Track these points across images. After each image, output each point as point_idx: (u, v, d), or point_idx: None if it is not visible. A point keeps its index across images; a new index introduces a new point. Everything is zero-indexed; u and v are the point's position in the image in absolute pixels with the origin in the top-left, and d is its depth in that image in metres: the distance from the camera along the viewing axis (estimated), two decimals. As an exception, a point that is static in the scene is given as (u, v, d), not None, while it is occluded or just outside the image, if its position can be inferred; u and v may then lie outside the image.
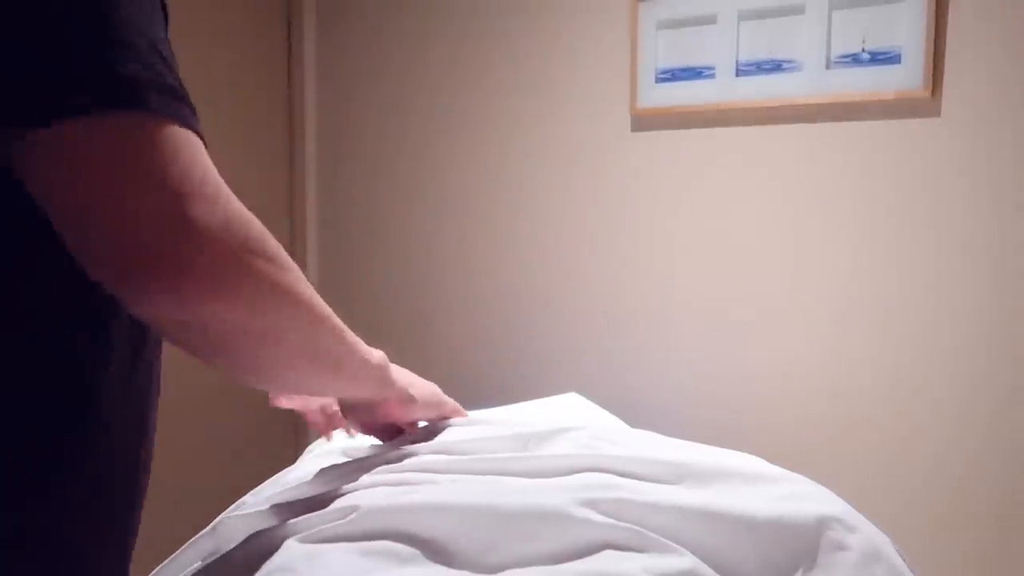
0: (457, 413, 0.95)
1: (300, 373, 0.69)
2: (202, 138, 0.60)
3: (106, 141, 0.55)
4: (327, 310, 0.69)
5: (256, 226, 0.61)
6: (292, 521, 0.75)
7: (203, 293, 0.57)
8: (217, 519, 0.86)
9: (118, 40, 0.56)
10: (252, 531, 0.77)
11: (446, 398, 0.95)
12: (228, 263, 0.58)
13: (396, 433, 0.93)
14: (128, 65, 0.56)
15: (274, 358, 0.65)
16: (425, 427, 0.93)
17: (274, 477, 1.02)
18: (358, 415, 0.88)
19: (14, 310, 0.61)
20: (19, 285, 0.60)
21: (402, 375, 0.87)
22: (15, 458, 0.62)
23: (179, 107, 0.58)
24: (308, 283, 0.66)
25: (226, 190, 0.60)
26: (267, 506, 0.82)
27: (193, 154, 0.58)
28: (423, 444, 0.88)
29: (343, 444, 1.03)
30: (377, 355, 0.81)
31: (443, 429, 0.92)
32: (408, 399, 0.87)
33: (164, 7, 0.63)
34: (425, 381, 0.92)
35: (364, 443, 1.00)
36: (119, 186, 0.55)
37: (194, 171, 0.57)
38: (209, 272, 0.57)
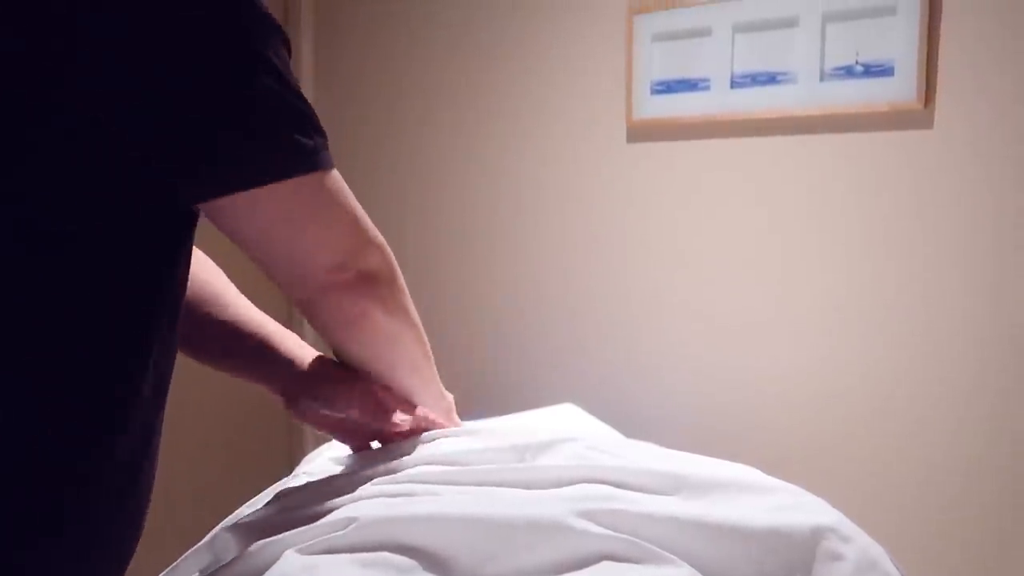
0: (449, 417, 0.99)
1: (402, 371, 0.88)
2: None
3: (306, 196, 0.73)
4: (426, 339, 0.90)
5: (392, 256, 0.83)
6: (290, 532, 0.76)
7: (370, 302, 0.80)
8: (214, 531, 0.87)
9: (304, 114, 0.72)
10: (249, 543, 0.77)
11: (450, 405, 0.99)
12: (384, 284, 0.81)
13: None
14: (316, 138, 0.73)
15: (396, 357, 0.86)
16: (421, 438, 0.94)
17: (270, 488, 1.02)
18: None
19: (71, 341, 0.68)
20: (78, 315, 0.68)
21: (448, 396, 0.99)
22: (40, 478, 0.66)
23: (329, 153, 0.75)
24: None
25: (372, 226, 0.82)
26: (264, 517, 0.83)
27: (347, 189, 0.78)
28: (421, 455, 0.88)
29: (340, 455, 1.03)
30: (449, 395, 0.97)
31: (439, 439, 0.92)
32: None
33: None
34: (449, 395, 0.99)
35: (361, 454, 1.00)
36: (320, 230, 0.76)
37: (358, 207, 0.79)
38: (378, 289, 0.80)
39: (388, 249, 0.82)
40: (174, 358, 0.78)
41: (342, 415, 0.89)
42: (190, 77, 0.66)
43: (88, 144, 0.65)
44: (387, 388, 0.89)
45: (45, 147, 0.65)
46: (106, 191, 0.66)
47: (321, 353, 0.92)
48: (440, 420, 0.94)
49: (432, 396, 0.93)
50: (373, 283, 0.80)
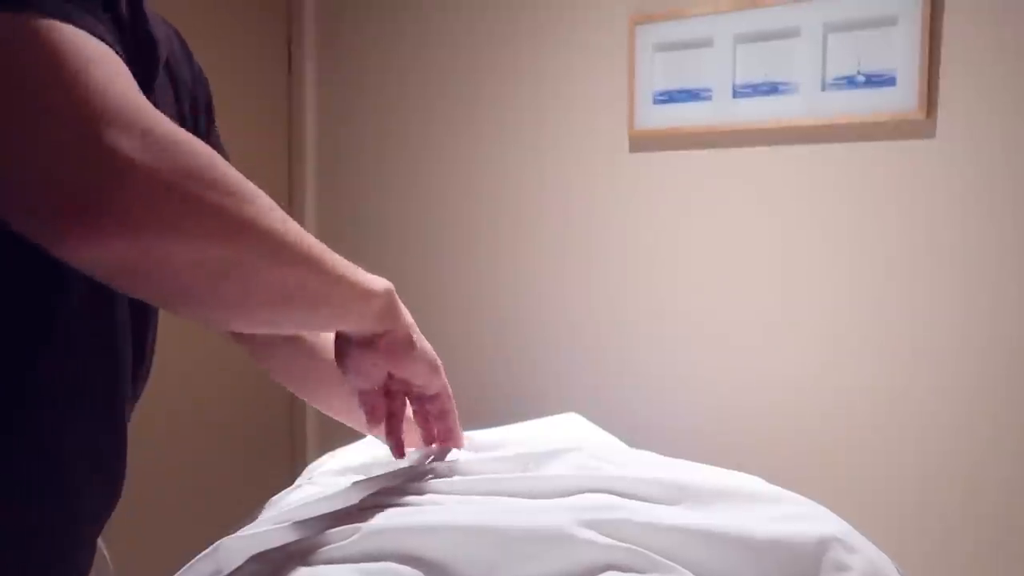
0: (446, 394, 0.87)
1: (272, 310, 0.62)
2: (120, 57, 0.51)
3: (13, 47, 0.46)
4: (302, 238, 0.61)
5: (199, 153, 0.52)
6: (293, 543, 0.75)
7: (129, 231, 0.48)
8: (217, 542, 0.86)
9: None
10: (252, 553, 0.76)
11: (443, 373, 0.85)
12: (157, 193, 0.49)
13: (380, 405, 0.83)
14: None
15: (238, 296, 0.57)
16: (423, 451, 0.93)
17: (273, 498, 1.01)
18: (354, 356, 0.76)
19: None
20: None
21: (410, 319, 0.78)
22: None
23: (81, 15, 0.49)
24: (279, 212, 0.58)
25: (153, 111, 0.51)
26: (267, 527, 0.82)
27: (109, 71, 0.49)
28: (424, 465, 0.88)
29: (343, 464, 1.03)
30: (379, 284, 0.72)
31: (440, 453, 0.92)
32: (409, 342, 0.77)
33: None
34: (430, 345, 0.83)
35: (364, 463, 1.00)
36: (12, 108, 0.46)
37: (110, 89, 0.48)
38: (135, 206, 0.48)
39: (156, 124, 0.50)
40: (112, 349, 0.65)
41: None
42: None
43: None
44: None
45: None
46: None
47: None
48: (371, 327, 0.73)
49: (340, 312, 0.70)
50: (140, 195, 0.48)
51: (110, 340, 0.66)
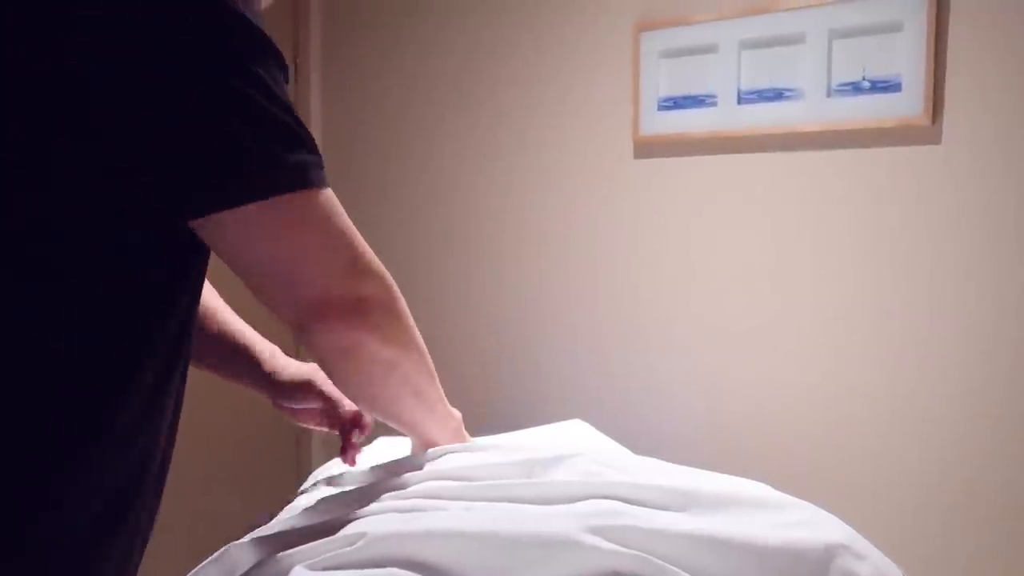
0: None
1: (405, 404, 0.87)
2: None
3: (296, 214, 0.71)
4: (430, 358, 0.87)
5: (393, 283, 0.80)
6: (299, 548, 0.75)
7: (365, 331, 0.77)
8: (223, 547, 0.86)
9: (294, 131, 0.70)
10: (259, 558, 0.77)
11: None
12: (381, 311, 0.78)
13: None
14: (307, 155, 0.71)
15: (393, 388, 0.84)
16: (429, 454, 0.93)
17: (279, 504, 1.01)
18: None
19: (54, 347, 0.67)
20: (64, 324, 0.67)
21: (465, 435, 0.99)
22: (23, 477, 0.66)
23: (325, 175, 0.73)
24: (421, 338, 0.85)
25: (370, 251, 0.79)
26: (274, 532, 0.82)
27: (342, 212, 0.75)
28: (430, 471, 0.88)
29: (349, 469, 1.03)
30: (456, 412, 0.96)
31: (448, 455, 0.92)
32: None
33: (282, 57, 0.73)
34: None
35: (369, 469, 1.00)
36: (309, 251, 0.72)
37: (354, 231, 0.76)
38: (372, 317, 0.77)
39: (387, 275, 0.79)
40: (181, 395, 0.77)
41: (310, 406, 0.99)
42: (180, 94, 0.65)
43: (80, 166, 0.65)
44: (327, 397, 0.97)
45: (40, 168, 0.65)
46: (97, 212, 0.66)
47: (293, 363, 1.01)
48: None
49: (437, 420, 0.92)
50: (366, 311, 0.77)
51: (176, 408, 0.78)
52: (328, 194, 0.73)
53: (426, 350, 0.86)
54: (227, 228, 0.69)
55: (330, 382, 0.95)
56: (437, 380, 0.89)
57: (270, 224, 0.70)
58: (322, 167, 0.72)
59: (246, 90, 0.67)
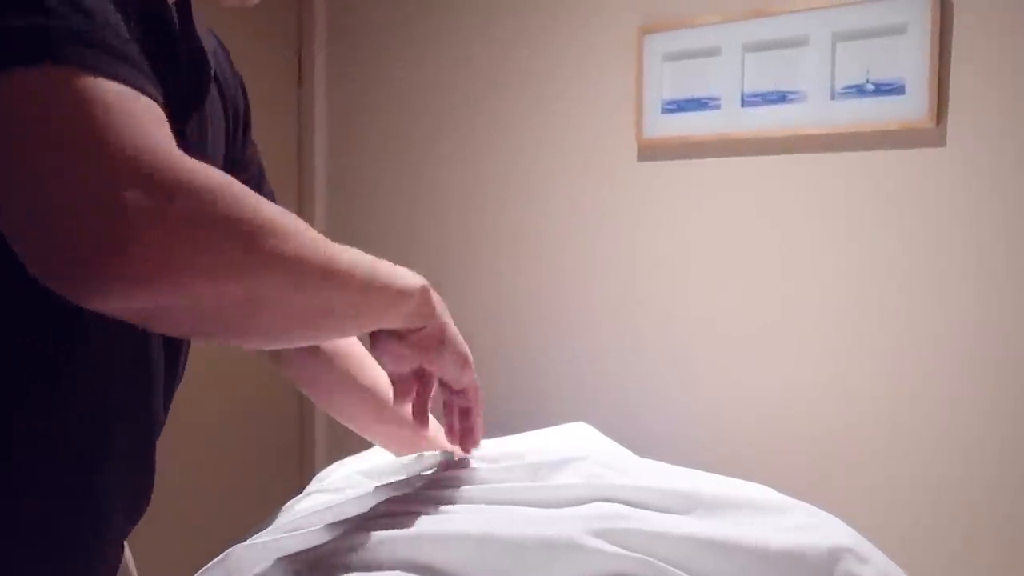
0: (476, 390, 0.88)
1: (305, 331, 0.64)
2: (156, 99, 0.52)
3: (18, 102, 0.48)
4: (329, 258, 0.61)
5: (225, 192, 0.52)
6: (304, 551, 0.75)
7: (149, 281, 0.49)
8: (227, 550, 0.86)
9: None
10: (263, 560, 0.77)
11: (472, 369, 0.86)
12: (175, 240, 0.49)
13: (409, 386, 0.84)
14: (40, 17, 0.48)
15: (269, 325, 0.59)
16: (432, 458, 0.93)
17: (283, 507, 1.02)
18: (386, 343, 0.78)
19: None
20: None
21: (446, 314, 0.80)
22: None
23: (112, 63, 0.50)
24: (306, 236, 0.59)
25: (177, 155, 0.51)
26: (278, 535, 0.82)
27: (133, 115, 0.50)
28: (433, 474, 0.88)
29: (353, 472, 1.03)
30: (413, 283, 0.74)
31: (450, 461, 0.92)
32: (441, 337, 0.79)
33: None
34: (463, 339, 0.85)
35: (374, 472, 1.00)
36: (43, 160, 0.47)
37: (133, 137, 0.49)
38: (150, 257, 0.48)
39: (184, 173, 0.51)
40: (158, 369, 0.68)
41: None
42: None
43: None
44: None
45: None
46: None
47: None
48: (398, 323, 0.75)
49: (376, 307, 0.70)
50: (153, 241, 0.48)
51: (143, 358, 0.69)
52: (90, 80, 0.49)
53: (311, 244, 0.59)
54: None
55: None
56: (346, 273, 0.63)
57: None
58: (86, 43, 0.50)
59: None
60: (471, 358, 0.84)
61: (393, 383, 0.83)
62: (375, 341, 0.78)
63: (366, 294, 0.67)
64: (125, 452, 0.69)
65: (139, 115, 0.50)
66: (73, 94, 0.48)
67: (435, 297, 0.78)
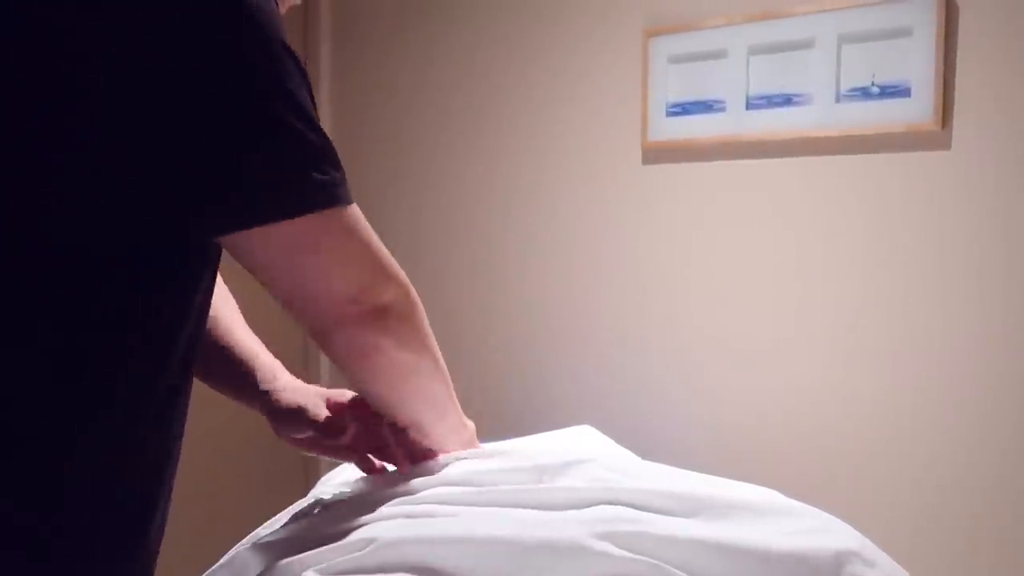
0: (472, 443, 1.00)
1: (418, 405, 0.87)
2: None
3: (322, 231, 0.73)
4: (446, 372, 0.89)
5: (412, 290, 0.82)
6: (309, 553, 0.76)
7: (383, 336, 0.79)
8: (232, 550, 0.86)
9: (321, 149, 0.73)
10: (268, 563, 0.77)
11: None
12: (400, 318, 0.80)
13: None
14: (334, 174, 0.73)
15: (410, 391, 0.85)
16: (439, 460, 0.93)
17: (288, 508, 1.01)
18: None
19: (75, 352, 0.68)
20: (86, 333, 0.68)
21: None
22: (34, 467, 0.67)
23: (350, 191, 0.75)
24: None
25: (393, 261, 0.81)
26: (283, 537, 0.82)
27: (365, 224, 0.78)
28: (439, 476, 0.88)
29: (357, 475, 1.03)
30: (469, 423, 0.96)
31: (456, 461, 0.92)
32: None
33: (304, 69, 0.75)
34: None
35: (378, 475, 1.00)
36: (334, 265, 0.75)
37: (376, 241, 0.79)
38: (391, 323, 0.79)
39: (407, 284, 0.82)
40: (189, 392, 0.78)
41: (334, 442, 0.93)
42: (207, 110, 0.66)
43: (105, 176, 0.66)
44: (378, 417, 0.91)
45: (65, 175, 0.66)
46: (122, 221, 0.68)
47: (301, 387, 0.96)
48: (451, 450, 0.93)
49: (451, 428, 0.92)
50: (386, 318, 0.79)
51: (184, 418, 0.79)
52: (352, 209, 0.75)
53: (441, 359, 0.87)
54: (255, 244, 0.72)
55: (322, 410, 0.93)
56: (452, 390, 0.90)
57: (297, 241, 0.72)
58: (346, 183, 0.75)
59: (278, 111, 0.69)
60: (475, 439, 0.98)
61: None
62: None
63: (455, 409, 0.92)
64: (169, 490, 0.79)
65: (370, 228, 0.79)
66: (348, 223, 0.76)
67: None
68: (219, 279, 0.95)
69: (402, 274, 0.81)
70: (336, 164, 0.74)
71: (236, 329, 0.98)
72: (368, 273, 0.78)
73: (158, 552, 0.78)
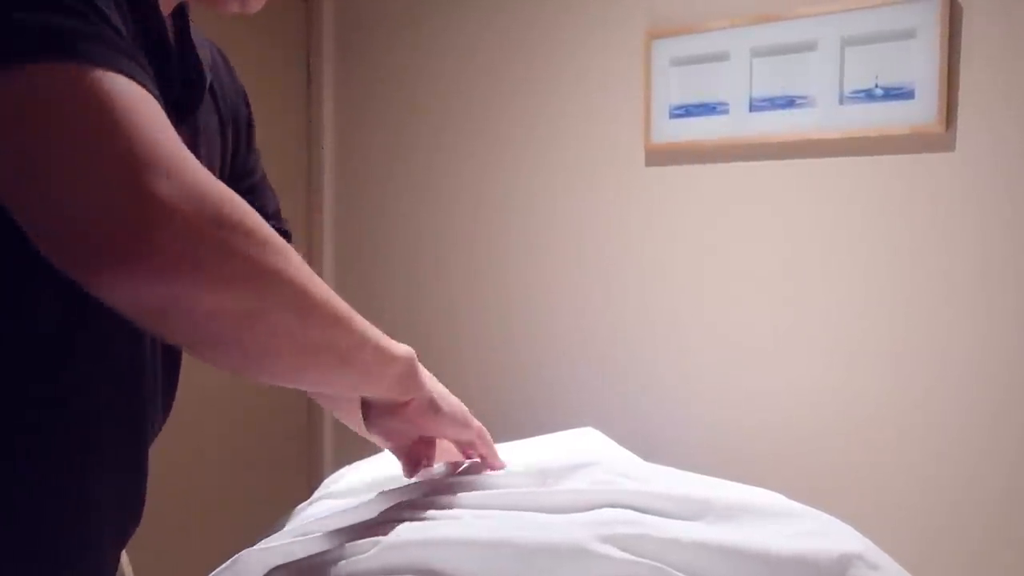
0: (482, 437, 0.89)
1: (297, 363, 0.62)
2: (158, 100, 0.53)
3: (35, 97, 0.49)
4: (330, 297, 0.62)
5: (232, 201, 0.54)
6: (311, 556, 0.76)
7: (164, 272, 0.50)
8: (236, 555, 0.86)
9: None
10: (272, 566, 0.77)
11: (473, 420, 0.87)
12: (192, 238, 0.51)
13: (417, 453, 0.86)
14: (62, 19, 0.50)
15: (263, 346, 0.58)
16: (444, 469, 0.93)
17: (292, 511, 1.02)
18: (380, 420, 0.78)
19: None
20: None
21: (432, 382, 0.79)
22: None
23: (123, 61, 0.51)
24: (307, 269, 0.59)
25: (190, 159, 0.52)
26: (286, 540, 0.82)
27: (151, 117, 0.51)
28: (442, 479, 0.88)
29: (360, 478, 1.03)
30: (401, 350, 0.72)
31: (462, 468, 0.92)
32: (434, 407, 0.78)
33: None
34: (455, 398, 0.84)
35: (382, 477, 1.00)
36: (60, 152, 0.49)
37: (152, 136, 0.50)
38: (170, 249, 0.50)
39: (203, 183, 0.52)
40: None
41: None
42: None
43: None
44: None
45: None
46: None
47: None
48: (392, 393, 0.74)
49: (361, 373, 0.69)
50: (172, 241, 0.50)
51: (136, 372, 0.68)
52: (106, 76, 0.50)
53: (311, 284, 0.59)
54: None
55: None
56: (347, 319, 0.64)
57: (10, 103, 0.49)
58: (99, 40, 0.51)
59: None
60: (467, 413, 0.84)
61: (399, 458, 0.85)
62: (370, 422, 0.78)
63: (362, 343, 0.66)
64: (115, 457, 0.68)
65: (154, 114, 0.52)
66: (90, 88, 0.49)
67: (421, 368, 0.76)
68: None
69: (200, 174, 0.52)
70: (80, 12, 0.51)
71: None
72: (126, 165, 0.49)
73: (118, 541, 0.71)
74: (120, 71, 0.51)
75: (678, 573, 0.72)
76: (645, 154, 1.80)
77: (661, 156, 1.78)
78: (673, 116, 1.75)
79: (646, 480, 0.89)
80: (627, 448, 1.29)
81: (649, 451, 1.32)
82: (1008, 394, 1.41)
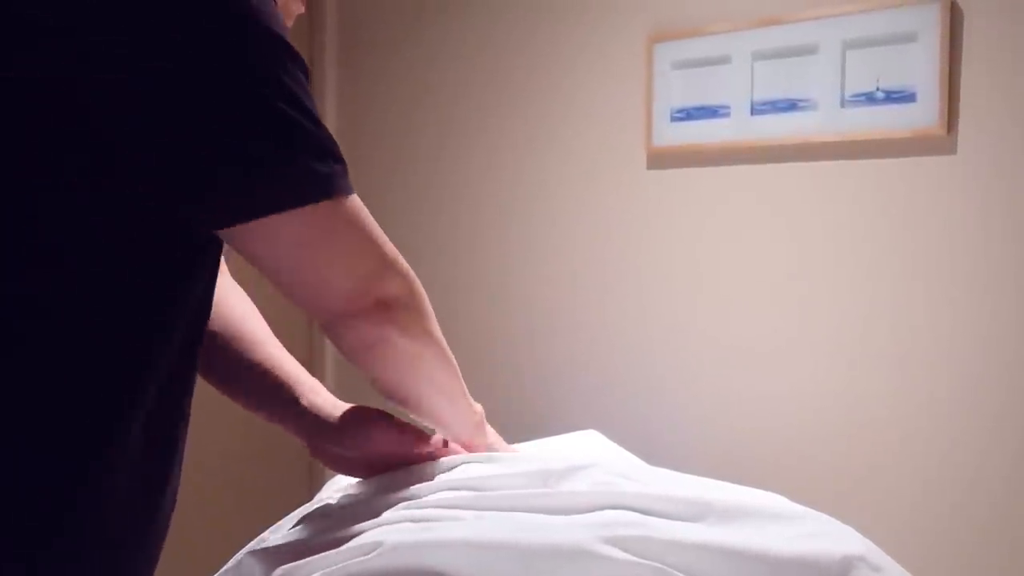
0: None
1: (427, 392, 0.88)
2: None
3: (324, 222, 0.73)
4: (452, 358, 0.90)
5: (416, 280, 0.83)
6: (314, 557, 0.76)
7: (384, 327, 0.80)
8: (238, 555, 0.87)
9: (320, 140, 0.72)
10: (274, 568, 0.77)
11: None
12: (407, 306, 0.81)
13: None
14: (333, 165, 0.73)
15: (417, 379, 0.87)
16: (443, 463, 0.93)
17: (293, 513, 1.01)
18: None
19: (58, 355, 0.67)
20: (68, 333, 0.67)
21: (493, 436, 0.99)
22: (26, 505, 0.67)
23: (350, 182, 0.75)
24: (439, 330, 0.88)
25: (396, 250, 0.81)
26: (288, 541, 0.83)
27: (372, 220, 0.78)
28: (444, 480, 0.88)
29: (362, 479, 1.03)
30: (478, 406, 0.97)
31: (462, 464, 0.92)
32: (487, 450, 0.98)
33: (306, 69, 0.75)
34: (506, 446, 1.01)
35: (384, 478, 1.00)
36: (337, 257, 0.75)
37: (381, 236, 0.78)
38: (396, 314, 0.80)
39: (411, 275, 0.83)
40: (191, 385, 0.78)
41: (358, 454, 0.93)
42: (198, 103, 0.65)
43: (98, 172, 0.66)
44: (403, 424, 0.91)
45: (56, 174, 0.65)
46: (116, 218, 0.67)
47: (341, 403, 0.95)
48: (469, 440, 0.95)
49: (460, 413, 0.93)
50: (392, 309, 0.80)
51: (172, 441, 0.79)
52: (353, 200, 0.75)
53: (447, 347, 0.90)
54: (256, 237, 0.71)
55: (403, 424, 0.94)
56: (459, 376, 0.92)
57: (299, 233, 0.72)
58: (347, 174, 0.74)
59: (277, 104, 0.68)
60: (484, 422, 0.99)
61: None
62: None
63: (462, 394, 0.93)
64: (163, 500, 0.79)
65: (372, 219, 0.78)
66: (349, 211, 0.75)
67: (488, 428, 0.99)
68: (244, 295, 0.96)
69: (406, 266, 0.82)
70: (336, 156, 0.73)
71: (273, 349, 0.96)
72: (372, 266, 0.78)
73: (158, 555, 0.78)
74: (353, 191, 0.75)
75: (679, 574, 0.72)
76: (647, 157, 1.80)
77: (662, 159, 1.78)
78: (674, 119, 1.75)
79: (648, 482, 0.89)
80: (629, 451, 1.29)
81: (650, 454, 1.32)
82: (1011, 397, 1.41)
